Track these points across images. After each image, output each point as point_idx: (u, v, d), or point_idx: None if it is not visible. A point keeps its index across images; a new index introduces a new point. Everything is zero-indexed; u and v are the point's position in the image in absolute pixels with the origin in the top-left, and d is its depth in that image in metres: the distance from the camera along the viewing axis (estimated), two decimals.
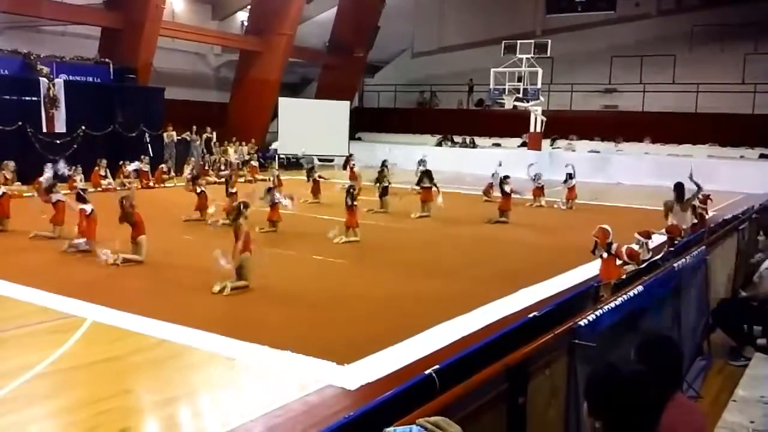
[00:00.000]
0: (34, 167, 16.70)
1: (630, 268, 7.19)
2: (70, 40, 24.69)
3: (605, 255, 7.74)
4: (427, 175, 15.61)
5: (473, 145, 29.26)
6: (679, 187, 11.51)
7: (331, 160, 29.33)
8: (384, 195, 15.44)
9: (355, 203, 11.83)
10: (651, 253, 8.29)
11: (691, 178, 12.11)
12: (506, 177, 15.05)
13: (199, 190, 13.66)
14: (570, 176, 17.14)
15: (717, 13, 29.29)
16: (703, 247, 6.92)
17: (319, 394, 5.40)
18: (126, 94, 22.11)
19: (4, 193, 12.09)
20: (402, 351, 6.22)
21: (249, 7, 29.97)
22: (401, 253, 11.21)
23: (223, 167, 22.22)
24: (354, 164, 19.26)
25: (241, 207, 8.59)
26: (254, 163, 23.23)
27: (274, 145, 25.03)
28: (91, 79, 21.93)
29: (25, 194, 14.12)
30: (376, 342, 6.38)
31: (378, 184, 15.65)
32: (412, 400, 2.88)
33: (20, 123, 18.80)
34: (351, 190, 11.96)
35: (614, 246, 7.77)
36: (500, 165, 17.81)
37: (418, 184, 15.66)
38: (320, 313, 7.65)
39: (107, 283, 8.63)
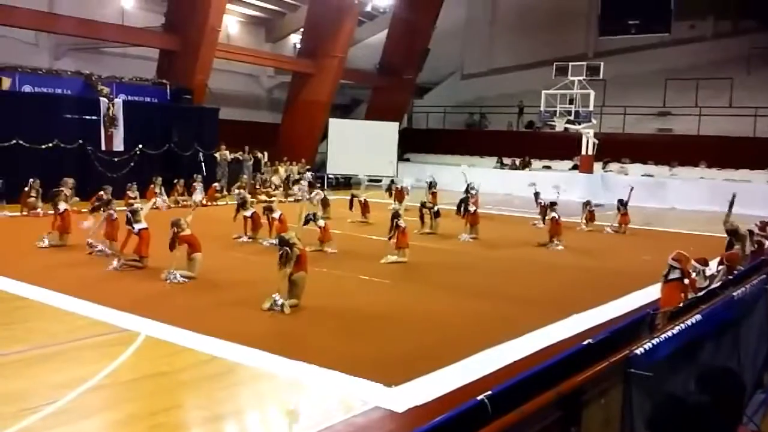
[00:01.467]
0: (92, 184, 17.34)
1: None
2: (129, 61, 25.52)
3: (686, 281, 7.49)
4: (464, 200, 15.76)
5: (528, 167, 29.00)
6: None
7: (379, 181, 29.50)
8: (436, 216, 15.43)
9: (402, 225, 11.84)
10: (708, 281, 8.06)
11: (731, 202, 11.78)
12: (553, 203, 14.87)
13: (249, 213, 13.81)
14: (622, 203, 16.87)
15: None
16: (764, 275, 6.69)
17: (366, 415, 5.37)
18: (182, 114, 22.67)
19: (65, 209, 12.45)
20: (451, 374, 6.16)
21: (302, 30, 30.53)
22: (449, 275, 11.14)
23: (273, 187, 22.56)
24: (399, 186, 19.36)
25: (288, 251, 8.29)
26: (304, 182, 23.44)
27: (308, 175, 24.87)
28: (148, 99, 22.59)
29: (83, 210, 14.50)
30: (424, 364, 6.33)
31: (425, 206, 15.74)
32: (463, 426, 2.84)
33: (80, 141, 19.44)
34: (397, 217, 11.98)
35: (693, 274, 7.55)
36: (534, 185, 17.74)
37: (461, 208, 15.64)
38: (367, 333, 7.64)
39: (161, 299, 8.80)
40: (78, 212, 13.97)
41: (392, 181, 19.93)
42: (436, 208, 15.63)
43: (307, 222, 12.24)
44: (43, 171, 17.19)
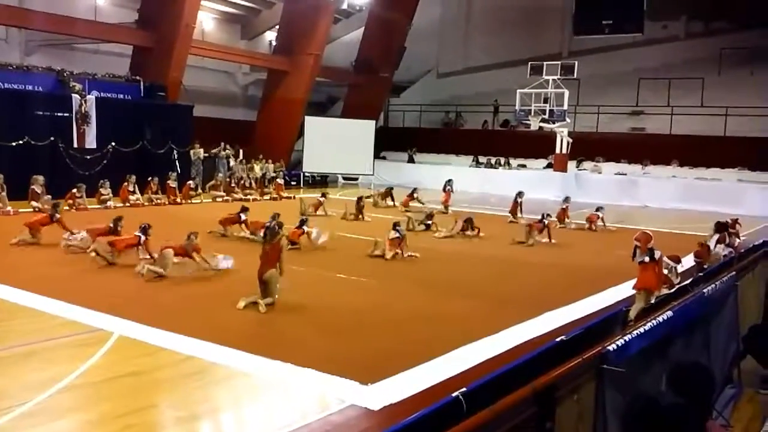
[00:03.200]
0: (64, 182, 17.11)
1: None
2: (102, 58, 25.24)
3: (647, 259, 7.54)
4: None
5: (503, 166, 29.16)
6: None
7: (356, 179, 29.48)
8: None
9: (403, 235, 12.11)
10: (680, 277, 8.19)
11: None
12: (548, 215, 14.95)
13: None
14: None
15: (746, 36, 29.09)
16: (734, 272, 6.82)
17: (342, 413, 5.37)
18: (155, 111, 22.43)
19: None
20: (427, 371, 6.17)
21: (277, 27, 30.40)
22: (425, 273, 11.17)
23: (248, 184, 22.47)
24: (450, 188, 19.34)
25: (277, 227, 8.63)
26: (280, 180, 23.37)
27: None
28: (122, 96, 22.30)
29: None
30: (401, 362, 6.34)
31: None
32: (439, 422, 2.86)
33: (52, 138, 19.13)
34: (397, 226, 12.22)
35: (657, 253, 7.56)
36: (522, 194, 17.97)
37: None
38: (344, 331, 7.63)
39: (135, 298, 8.70)
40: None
41: (448, 181, 19.81)
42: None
43: (301, 225, 12.59)
44: (13, 168, 16.93)
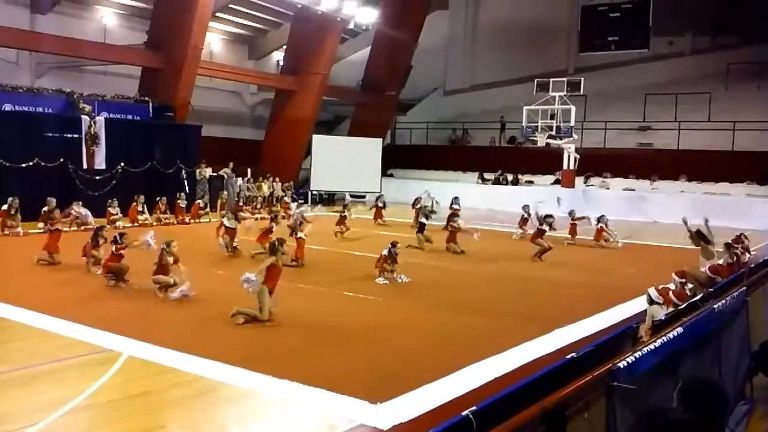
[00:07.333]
0: (73, 202, 17.17)
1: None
2: (111, 79, 25.46)
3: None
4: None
5: (511, 182, 29.13)
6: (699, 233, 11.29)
7: (363, 197, 29.52)
8: (420, 232, 15.51)
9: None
10: (689, 293, 8.13)
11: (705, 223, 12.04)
12: (548, 216, 14.98)
13: (231, 225, 13.88)
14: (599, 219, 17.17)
15: (753, 51, 29.11)
16: (744, 287, 6.76)
17: None
18: (164, 132, 22.60)
19: (57, 229, 12.43)
20: (436, 390, 6.14)
21: (285, 47, 30.64)
22: (434, 290, 11.14)
23: (258, 204, 22.56)
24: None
25: (277, 244, 8.65)
26: (288, 199, 23.43)
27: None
28: (130, 116, 22.48)
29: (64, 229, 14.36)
30: (409, 380, 6.31)
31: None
32: None
33: (62, 159, 19.27)
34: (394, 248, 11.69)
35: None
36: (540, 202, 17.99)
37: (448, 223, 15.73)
38: (352, 350, 7.61)
39: (143, 318, 8.72)
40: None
41: (454, 199, 19.82)
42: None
43: (291, 233, 12.57)
44: (23, 190, 17.04)
